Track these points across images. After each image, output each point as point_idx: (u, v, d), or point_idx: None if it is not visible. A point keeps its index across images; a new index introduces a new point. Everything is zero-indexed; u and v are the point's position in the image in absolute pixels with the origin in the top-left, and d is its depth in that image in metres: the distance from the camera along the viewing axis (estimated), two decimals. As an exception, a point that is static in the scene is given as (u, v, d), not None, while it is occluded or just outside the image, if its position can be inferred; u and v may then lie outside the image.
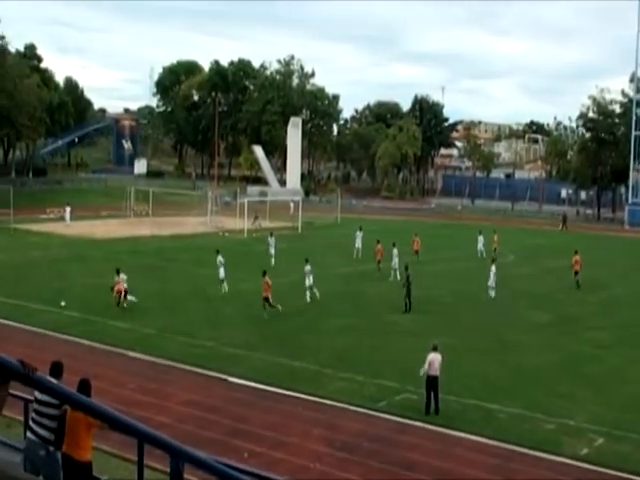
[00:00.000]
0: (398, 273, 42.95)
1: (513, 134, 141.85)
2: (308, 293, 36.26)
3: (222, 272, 38.44)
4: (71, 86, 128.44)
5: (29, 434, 10.95)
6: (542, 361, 27.47)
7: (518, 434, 20.14)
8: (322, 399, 22.51)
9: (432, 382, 21.55)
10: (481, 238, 54.28)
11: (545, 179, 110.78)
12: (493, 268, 39.02)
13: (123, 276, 34.14)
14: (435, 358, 21.78)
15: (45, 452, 10.72)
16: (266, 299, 32.60)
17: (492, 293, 38.66)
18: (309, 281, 36.42)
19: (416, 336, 29.69)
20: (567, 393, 23.80)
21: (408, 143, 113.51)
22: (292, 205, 78.64)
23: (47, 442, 10.74)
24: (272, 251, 48.39)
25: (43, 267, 44.16)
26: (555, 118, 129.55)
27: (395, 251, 44.07)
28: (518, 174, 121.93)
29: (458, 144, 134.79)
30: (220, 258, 39.04)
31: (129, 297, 34.25)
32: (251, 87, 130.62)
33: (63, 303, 33.25)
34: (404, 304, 34.84)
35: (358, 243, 51.74)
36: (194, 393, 22.84)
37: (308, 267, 36.75)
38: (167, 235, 61.24)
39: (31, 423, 10.95)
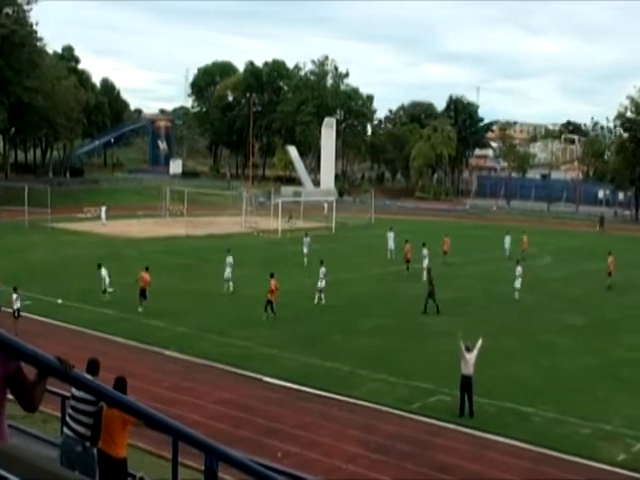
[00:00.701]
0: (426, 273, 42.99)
1: (549, 134, 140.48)
2: (317, 295, 35.83)
3: (228, 272, 38.64)
4: (107, 87, 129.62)
5: (66, 430, 11.07)
6: (577, 364, 27.20)
7: (553, 438, 19.94)
8: (356, 400, 22.48)
9: (466, 382, 21.45)
10: (508, 238, 53.87)
11: (582, 180, 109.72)
12: (519, 270, 38.56)
13: (104, 271, 35.42)
14: (469, 358, 21.68)
15: (81, 448, 10.84)
16: (269, 302, 32.11)
17: (516, 295, 38.25)
18: (321, 284, 35.99)
19: (449, 337, 29.49)
20: (603, 397, 23.54)
21: (443, 143, 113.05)
22: (326, 205, 78.60)
23: (83, 438, 10.86)
24: (305, 250, 48.32)
25: (79, 266, 44.56)
26: (592, 118, 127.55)
27: (425, 251, 43.92)
28: (554, 175, 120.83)
29: (493, 144, 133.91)
30: (230, 259, 39.15)
31: (109, 289, 35.37)
32: (285, 87, 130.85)
33: (60, 301, 33.85)
34: (424, 305, 34.72)
35: (390, 244, 51.31)
36: (228, 392, 22.91)
37: (323, 269, 36.49)
38: (202, 235, 61.54)
39: (68, 419, 11.07)
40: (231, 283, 38.52)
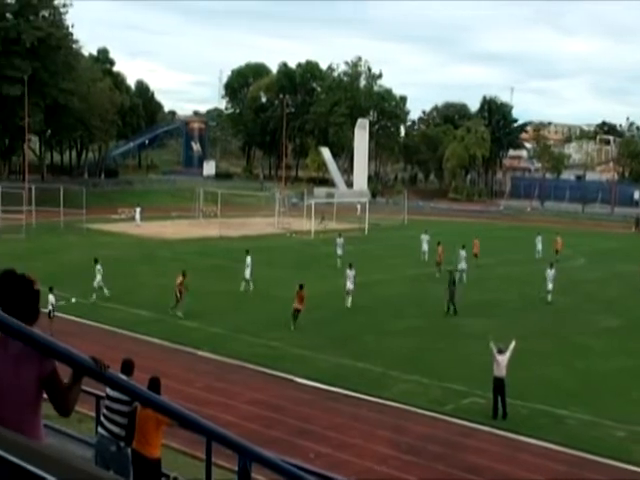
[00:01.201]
0: (465, 275, 42.74)
1: (584, 135, 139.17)
2: (349, 298, 35.37)
3: (248, 272, 38.83)
4: (142, 89, 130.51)
5: (100, 429, 11.19)
6: (612, 366, 26.95)
7: (587, 441, 19.78)
8: (387, 401, 22.46)
9: (498, 384, 21.36)
10: (540, 239, 53.44)
11: (617, 181, 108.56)
12: (551, 273, 38.09)
13: (99, 267, 35.32)
14: (500, 361, 21.60)
15: (116, 447, 10.95)
16: (297, 311, 31.19)
17: (549, 297, 37.82)
18: (350, 285, 35.53)
19: (482, 339, 29.33)
20: (638, 399, 23.29)
21: (476, 144, 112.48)
22: (359, 207, 78.56)
23: (118, 438, 10.97)
24: (339, 252, 47.99)
25: (114, 267, 44.92)
26: (628, 119, 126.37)
27: (462, 253, 43.72)
28: (589, 176, 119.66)
29: (527, 145, 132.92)
30: (248, 259, 39.27)
31: (105, 290, 35.28)
32: (318, 89, 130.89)
33: (74, 300, 34.03)
34: (446, 307, 34.60)
35: (424, 246, 50.67)
36: (260, 392, 23.00)
37: (350, 272, 35.85)
38: (235, 236, 61.77)
39: (102, 419, 11.19)
40: (251, 283, 38.66)
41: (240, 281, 38.96)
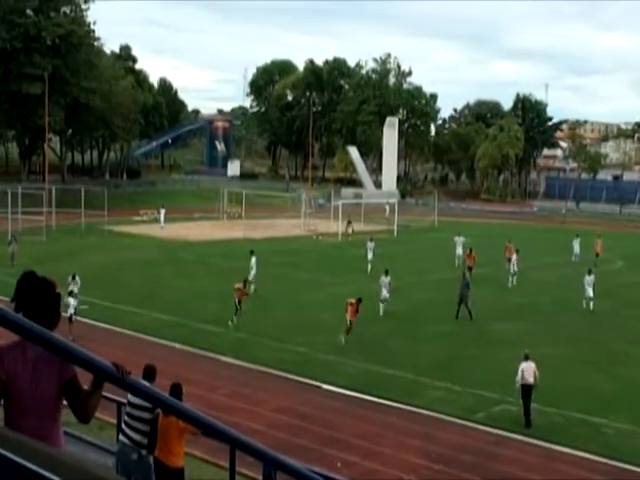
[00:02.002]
0: (515, 279, 42.97)
1: (621, 133, 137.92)
2: (382, 306, 34.60)
3: (252, 274, 38.89)
4: (165, 87, 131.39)
5: (122, 437, 11.22)
6: (652, 374, 26.64)
7: (626, 451, 19.57)
8: (417, 409, 22.38)
9: (527, 391, 21.38)
10: (577, 242, 52.99)
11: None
12: (590, 279, 37.22)
13: (77, 280, 31.80)
14: (526, 367, 21.57)
15: (137, 456, 10.97)
16: (350, 324, 29.95)
17: (591, 305, 37.17)
18: (385, 293, 34.69)
19: (516, 345, 29.14)
20: (680, 409, 23.02)
21: (509, 143, 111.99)
22: (387, 208, 78.36)
23: (139, 446, 10.99)
24: (370, 256, 47.17)
25: (136, 269, 45.20)
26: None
27: (515, 257, 43.37)
28: (627, 176, 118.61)
29: (562, 144, 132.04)
30: (253, 260, 39.31)
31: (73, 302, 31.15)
32: (346, 86, 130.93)
33: (86, 307, 32.11)
34: (456, 310, 34.32)
35: (458, 249, 49.83)
36: (286, 400, 23.00)
37: (386, 279, 35.05)
38: (260, 238, 61.88)
39: (124, 426, 11.22)
40: (253, 285, 38.54)
41: (278, 286, 38.92)
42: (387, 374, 25.63)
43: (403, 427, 21.13)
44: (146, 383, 4.49)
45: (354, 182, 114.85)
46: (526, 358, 21.76)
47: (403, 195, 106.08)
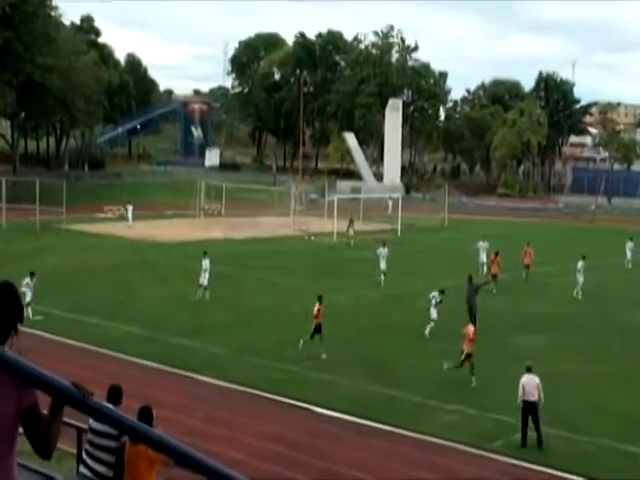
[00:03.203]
0: (580, 291, 42.71)
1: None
2: (429, 328, 33.61)
3: (204, 277, 38.69)
4: (133, 64, 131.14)
5: (82, 469, 11.16)
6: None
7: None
8: (424, 435, 22.35)
9: (528, 408, 21.60)
10: (630, 245, 53.06)
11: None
12: None
13: (29, 281, 32.58)
14: (528, 381, 21.67)
15: (101, 490, 10.91)
16: (468, 356, 29.51)
17: None
18: (434, 313, 33.71)
19: (541, 362, 29.18)
20: None
21: (531, 130, 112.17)
22: (390, 204, 78.43)
23: (103, 478, 10.94)
24: (382, 265, 45.00)
25: (100, 275, 45.11)
26: None
27: (580, 264, 42.93)
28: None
29: (592, 130, 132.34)
30: (206, 262, 39.11)
31: (31, 315, 32.14)
32: (342, 64, 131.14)
33: (324, 356, 30.80)
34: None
35: (482, 256, 48.77)
36: (272, 425, 22.96)
37: (436, 294, 34.24)
38: (242, 238, 61.83)
39: (85, 456, 11.16)
40: (207, 291, 38.58)
41: (264, 294, 38.86)
42: (390, 395, 25.61)
43: (408, 456, 21.11)
44: (111, 406, 4.46)
45: (351, 174, 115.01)
46: (528, 370, 21.98)
47: (408, 189, 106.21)
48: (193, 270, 41.42)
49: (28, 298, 32.70)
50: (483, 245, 49.81)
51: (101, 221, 70.14)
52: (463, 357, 27.68)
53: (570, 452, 21.27)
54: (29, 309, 33.18)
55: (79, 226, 64.50)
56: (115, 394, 11.25)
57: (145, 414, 11.26)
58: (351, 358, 29.79)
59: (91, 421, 10.09)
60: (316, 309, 30.34)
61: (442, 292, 34.22)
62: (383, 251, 45.67)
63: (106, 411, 4.20)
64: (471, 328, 28.39)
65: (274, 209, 76.41)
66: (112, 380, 12.36)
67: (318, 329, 30.07)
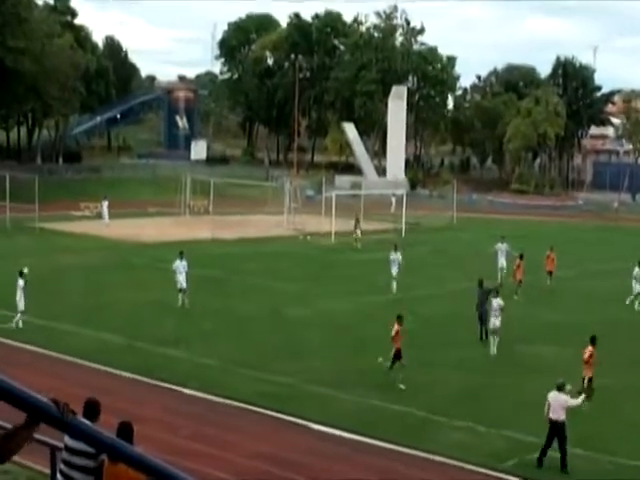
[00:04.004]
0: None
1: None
2: (493, 340, 32.90)
3: (182, 280, 38.45)
4: (112, 48, 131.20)
5: (56, 491, 11.13)
6: None
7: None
8: (431, 455, 22.32)
9: (553, 428, 21.46)
10: None
11: None
12: None
13: (21, 283, 33.56)
14: (555, 399, 21.57)
15: (76, 515, 10.88)
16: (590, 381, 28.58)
17: None
18: (497, 321, 32.80)
19: (559, 374, 29.20)
20: None
21: (547, 120, 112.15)
22: (393, 201, 78.46)
23: (79, 501, 10.90)
24: (394, 272, 44.26)
25: (75, 278, 45.08)
26: None
27: (637, 270, 42.29)
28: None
29: (614, 121, 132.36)
30: (182, 263, 38.91)
31: (19, 312, 33.78)
32: (341, 48, 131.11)
33: (380, 359, 30.17)
34: (479, 330, 34.33)
35: (501, 260, 47.60)
36: (265, 443, 22.92)
37: (499, 301, 33.61)
38: (232, 239, 61.80)
39: (59, 477, 11.13)
40: (185, 295, 38.41)
41: (255, 299, 38.82)
42: (393, 410, 25.60)
43: (411, 477, 21.09)
44: (87, 422, 4.45)
45: (351, 168, 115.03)
46: (558, 388, 21.74)
47: (413, 185, 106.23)
48: (173, 271, 41.35)
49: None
50: (502, 247, 48.36)
51: (77, 219, 70.04)
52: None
53: (592, 473, 21.23)
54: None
55: (53, 225, 64.45)
56: (92, 409, 11.21)
57: (125, 431, 11.23)
58: (351, 370, 29.76)
59: (66, 438, 10.06)
60: (395, 331, 29.02)
61: (497, 292, 34.06)
62: (395, 256, 44.88)
63: (83, 427, 4.19)
64: (589, 349, 27.26)
65: (266, 207, 76.29)
66: (88, 393, 12.34)
67: (398, 355, 28.84)
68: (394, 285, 44.05)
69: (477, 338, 34.28)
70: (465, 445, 23.08)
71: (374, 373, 29.49)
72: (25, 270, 34.92)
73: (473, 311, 35.38)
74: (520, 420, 24.77)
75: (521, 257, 44.49)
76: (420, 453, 22.46)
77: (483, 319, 34.28)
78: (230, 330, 35.09)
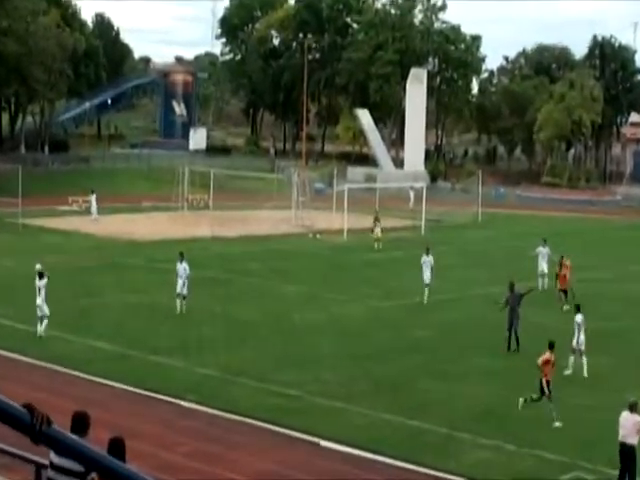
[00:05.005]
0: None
1: None
2: (583, 359, 31.80)
3: (182, 285, 38.54)
4: (103, 27, 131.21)
5: (41, 513, 11.16)
6: None
7: None
8: (453, 476, 22.30)
9: (625, 453, 21.18)
10: None
11: None
12: None
13: (41, 283, 33.64)
14: (626, 419, 21.30)
15: (63, 539, 10.90)
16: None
17: None
18: (578, 339, 31.87)
19: (595, 388, 29.20)
20: None
21: (583, 106, 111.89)
22: (412, 195, 78.45)
23: (66, 524, 10.92)
24: (427, 276, 43.07)
25: (63, 279, 45.08)
26: None
27: None
28: None
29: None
30: (183, 266, 38.94)
31: (43, 314, 33.84)
32: (355, 26, 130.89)
33: (558, 424, 29.13)
34: (507, 340, 34.07)
35: (543, 265, 46.98)
36: (270, 461, 22.92)
37: (580, 317, 32.53)
38: (234, 236, 61.82)
39: (44, 498, 11.15)
40: (184, 301, 38.40)
41: (259, 302, 38.84)
42: (411, 427, 25.57)
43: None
44: (75, 437, 4.46)
45: (365, 159, 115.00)
46: (631, 408, 21.31)
47: (434, 177, 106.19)
48: (173, 274, 41.43)
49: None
50: (544, 251, 47.48)
51: (64, 215, 70.07)
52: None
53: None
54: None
55: (38, 221, 64.54)
56: (80, 422, 11.22)
57: (116, 447, 11.25)
58: (365, 381, 29.77)
59: (52, 455, 10.08)
60: (544, 359, 27.65)
61: (578, 308, 32.86)
62: (427, 259, 43.80)
63: (70, 443, 4.20)
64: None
65: (272, 201, 76.28)
66: (77, 406, 12.35)
67: (547, 387, 28.33)
68: (426, 293, 42.73)
69: (505, 347, 34.16)
70: (491, 464, 23.04)
71: (388, 385, 29.50)
72: (38, 266, 35.11)
73: (498, 318, 35.25)
74: (552, 438, 24.72)
75: (563, 260, 43.60)
76: (440, 474, 22.40)
77: (513, 327, 34.10)
78: (231, 337, 35.11)
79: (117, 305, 40.01)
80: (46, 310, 33.60)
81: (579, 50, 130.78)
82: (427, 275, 43.04)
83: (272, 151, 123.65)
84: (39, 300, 33.66)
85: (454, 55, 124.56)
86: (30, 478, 12.51)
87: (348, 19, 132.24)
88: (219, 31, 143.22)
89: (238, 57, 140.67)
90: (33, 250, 53.16)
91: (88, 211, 69.02)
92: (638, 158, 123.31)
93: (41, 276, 33.95)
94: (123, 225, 65.15)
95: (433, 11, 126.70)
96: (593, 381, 30.18)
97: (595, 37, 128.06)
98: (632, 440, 21.10)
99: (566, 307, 40.35)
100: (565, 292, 42.27)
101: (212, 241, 59.79)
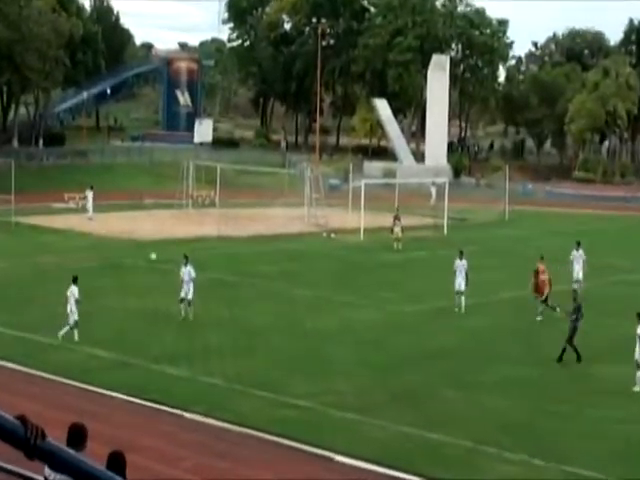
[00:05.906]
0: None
1: None
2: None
3: (187, 289, 38.56)
4: (101, 11, 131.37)
5: (35, 532, 11.19)
6: None
7: None
8: (478, 492, 22.34)
9: None
10: None
11: None
12: None
13: (74, 290, 34.35)
14: None
15: None
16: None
17: None
18: None
19: (630, 398, 29.15)
20: None
21: (618, 95, 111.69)
22: (434, 191, 78.34)
23: None
24: (460, 284, 41.81)
25: (59, 282, 45.12)
26: None
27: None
28: None
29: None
30: (188, 270, 39.01)
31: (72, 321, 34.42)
32: (372, 10, 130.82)
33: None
34: (575, 351, 33.84)
35: (577, 270, 46.36)
36: (281, 477, 22.94)
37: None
38: (242, 236, 61.82)
39: (38, 515, 11.19)
40: (190, 307, 38.45)
41: (269, 306, 38.85)
42: (432, 440, 25.56)
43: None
44: (72, 451, 4.47)
45: (383, 153, 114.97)
46: None
47: (457, 172, 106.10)
48: (177, 276, 41.55)
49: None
50: (577, 255, 46.84)
51: (60, 212, 70.16)
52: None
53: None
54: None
55: (32, 219, 64.63)
56: (77, 435, 11.28)
57: (116, 461, 11.29)
58: (382, 391, 29.77)
59: (47, 470, 10.14)
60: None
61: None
62: (461, 264, 42.66)
63: (66, 457, 4.22)
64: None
65: (283, 198, 76.33)
66: (73, 418, 12.41)
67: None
68: (462, 301, 41.51)
69: (575, 358, 33.72)
70: (519, 481, 23.05)
71: (407, 396, 29.50)
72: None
73: (526, 323, 35.16)
74: (584, 453, 24.68)
75: (536, 269, 41.43)
76: (465, 490, 22.47)
77: (571, 336, 33.71)
78: (239, 344, 35.12)
79: (117, 310, 40.02)
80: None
81: (614, 35, 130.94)
82: (460, 281, 41.87)
83: (283, 144, 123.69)
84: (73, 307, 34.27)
85: (479, 41, 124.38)
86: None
87: (365, 2, 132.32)
88: (226, 15, 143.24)
89: (247, 43, 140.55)
90: (26, 250, 53.32)
91: (84, 209, 69.08)
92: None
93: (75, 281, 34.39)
94: (123, 223, 65.20)
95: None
96: (627, 390, 30.08)
97: (631, 21, 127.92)
98: None
99: (559, 312, 38.66)
100: (546, 300, 40.21)
101: (219, 241, 59.82)
